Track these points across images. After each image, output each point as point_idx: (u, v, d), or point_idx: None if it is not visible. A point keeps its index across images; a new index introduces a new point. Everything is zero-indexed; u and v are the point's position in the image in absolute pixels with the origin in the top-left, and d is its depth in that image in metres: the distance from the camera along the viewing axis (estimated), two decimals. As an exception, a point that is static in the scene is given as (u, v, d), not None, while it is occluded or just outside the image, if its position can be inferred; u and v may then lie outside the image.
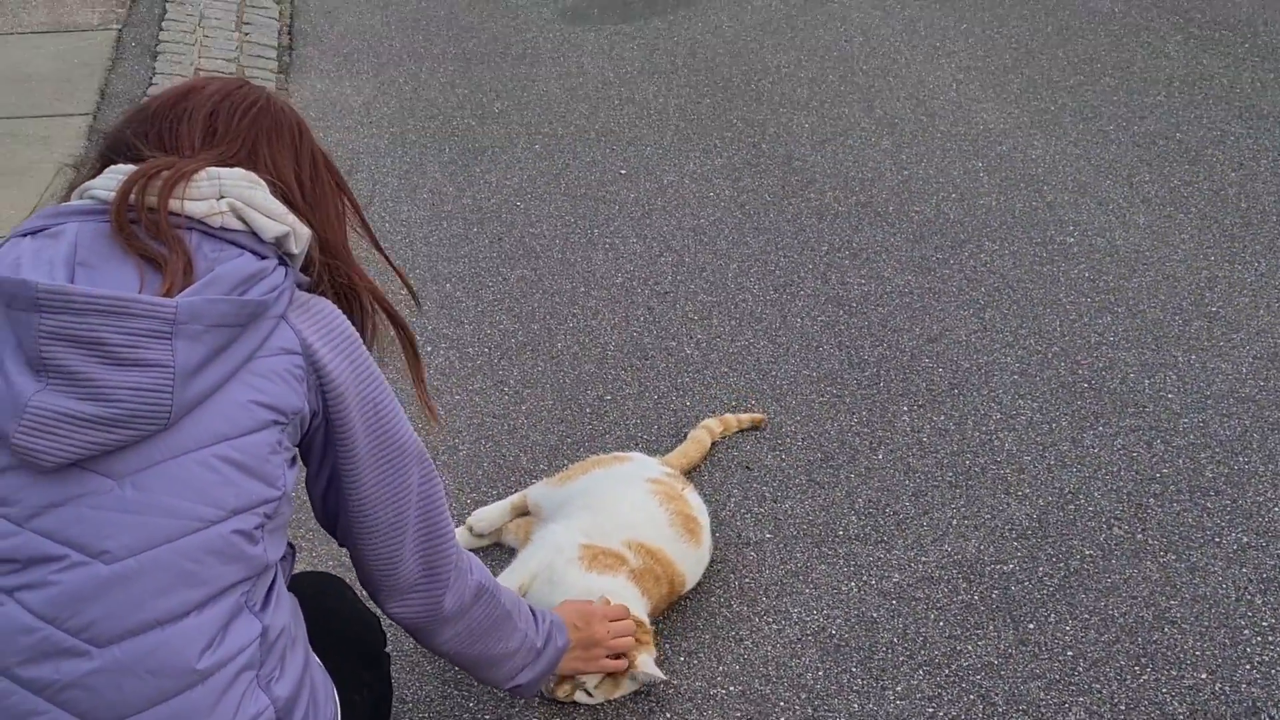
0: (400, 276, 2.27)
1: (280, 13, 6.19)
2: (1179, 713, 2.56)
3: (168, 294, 1.75)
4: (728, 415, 3.38)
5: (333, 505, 2.05)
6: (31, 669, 1.74)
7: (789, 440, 3.35)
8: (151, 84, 5.20)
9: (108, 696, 1.75)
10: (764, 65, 5.56)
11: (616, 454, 3.10)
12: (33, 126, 4.84)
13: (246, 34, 5.86)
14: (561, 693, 2.56)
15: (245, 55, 5.65)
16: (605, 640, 2.54)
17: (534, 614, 2.38)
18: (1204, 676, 2.64)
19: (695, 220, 4.38)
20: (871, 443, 3.33)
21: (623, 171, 4.71)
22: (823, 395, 3.51)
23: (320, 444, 1.98)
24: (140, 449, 1.75)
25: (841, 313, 3.86)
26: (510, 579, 2.69)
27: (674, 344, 3.74)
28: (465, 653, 2.26)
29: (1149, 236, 4.17)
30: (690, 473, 3.19)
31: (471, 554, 2.23)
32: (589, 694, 2.57)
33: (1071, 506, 3.10)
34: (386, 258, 2.21)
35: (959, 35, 5.80)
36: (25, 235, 1.84)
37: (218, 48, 5.66)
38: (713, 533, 2.96)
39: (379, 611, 2.25)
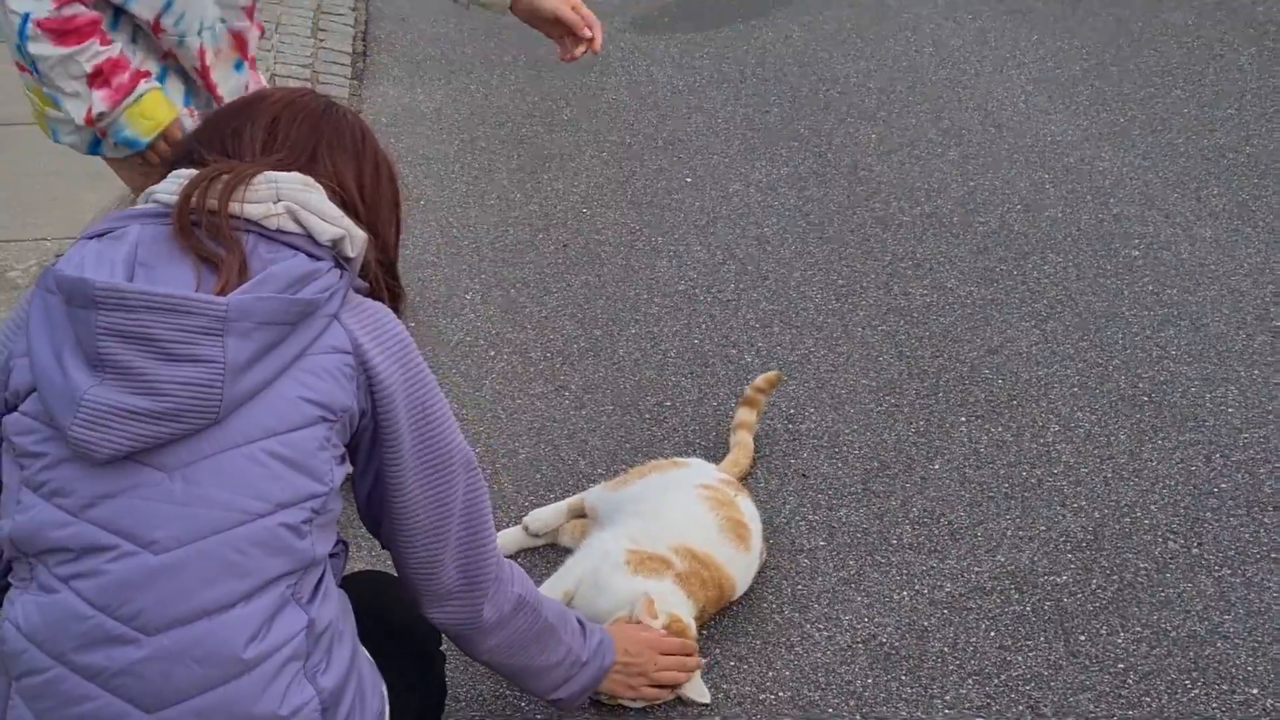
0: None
1: (355, 20, 6.29)
2: (1228, 727, 2.56)
3: (221, 292, 1.81)
4: (749, 394, 3.34)
5: (376, 507, 2.08)
6: (84, 655, 1.80)
7: (846, 449, 3.37)
8: (228, 89, 5.29)
9: (156, 684, 1.80)
10: (832, 75, 5.58)
11: (675, 459, 3.13)
12: (112, 130, 4.93)
13: (322, 40, 5.95)
14: (604, 695, 2.59)
15: (320, 62, 5.73)
16: (651, 673, 2.55)
17: (583, 628, 2.40)
18: (1255, 692, 2.63)
19: (759, 229, 4.41)
20: (928, 453, 3.35)
21: (689, 180, 4.75)
22: (881, 404, 3.53)
23: (367, 444, 2.01)
24: (190, 443, 1.81)
25: (903, 323, 3.88)
26: (558, 583, 2.73)
27: (735, 352, 3.77)
28: (507, 663, 2.29)
29: (1215, 250, 4.15)
30: (745, 477, 3.21)
31: (515, 565, 2.25)
32: (630, 701, 2.60)
33: (1127, 520, 3.10)
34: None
35: (1030, 46, 5.79)
36: (92, 238, 1.91)
37: (293, 54, 5.75)
38: (766, 539, 2.99)
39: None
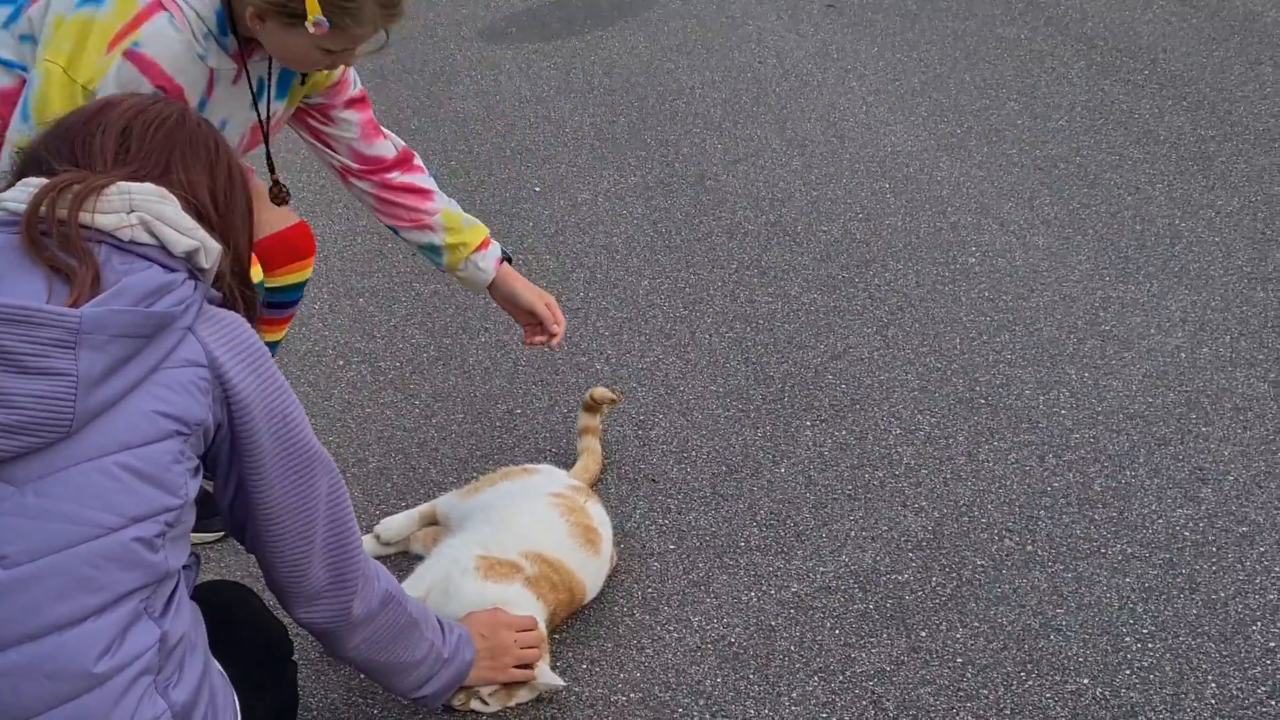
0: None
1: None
2: (1061, 716, 2.65)
3: (74, 304, 1.80)
4: (587, 399, 3.38)
5: (240, 513, 2.09)
6: None
7: (694, 454, 3.42)
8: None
9: (5, 699, 1.78)
10: (679, 86, 5.65)
11: (526, 466, 3.16)
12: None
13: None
14: (458, 701, 2.62)
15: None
16: (512, 649, 2.60)
17: (441, 625, 2.43)
18: (1086, 682, 2.74)
19: (608, 238, 4.46)
20: (775, 456, 3.42)
21: (537, 189, 4.78)
22: (729, 410, 3.59)
23: (226, 455, 2.01)
24: (42, 456, 1.79)
25: (749, 330, 3.95)
26: (409, 590, 2.74)
27: (585, 359, 3.81)
28: (373, 660, 2.31)
29: (1048, 257, 4.29)
30: (596, 483, 3.25)
31: (378, 563, 2.28)
32: (484, 702, 2.63)
33: (966, 519, 3.20)
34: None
35: (870, 59, 5.92)
36: None
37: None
38: (617, 544, 3.03)
39: (287, 621, 2.30)
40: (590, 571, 2.88)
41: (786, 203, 4.68)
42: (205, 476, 2.02)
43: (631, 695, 2.72)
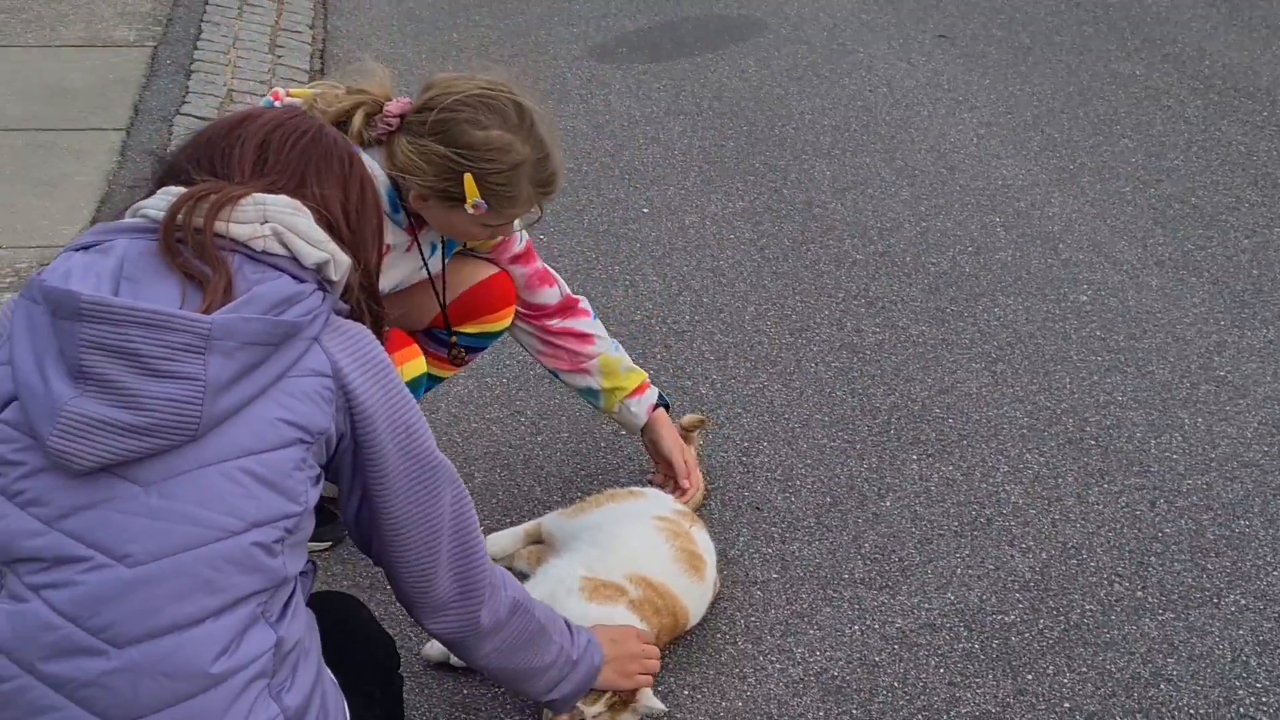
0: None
1: (313, 37, 6.29)
2: (1171, 769, 2.61)
3: (206, 311, 1.83)
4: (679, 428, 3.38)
5: (366, 524, 2.11)
6: (52, 665, 1.81)
7: (799, 483, 3.40)
8: (185, 102, 5.29)
9: (124, 696, 1.81)
10: (788, 111, 5.64)
11: (632, 489, 3.15)
12: (67, 140, 4.92)
13: (279, 57, 5.95)
14: (601, 689, 2.60)
15: (277, 78, 5.73)
16: (639, 657, 2.62)
17: (569, 628, 2.45)
18: (1197, 734, 2.69)
19: (715, 261, 4.45)
20: (880, 489, 3.39)
21: (645, 210, 4.79)
22: (834, 440, 3.57)
23: (350, 466, 2.04)
24: (168, 458, 1.82)
25: (855, 360, 3.92)
26: None
27: (689, 383, 3.80)
28: (504, 666, 2.33)
29: (1161, 298, 4.23)
30: (699, 508, 3.25)
31: (505, 570, 2.30)
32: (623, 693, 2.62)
33: (1074, 561, 3.16)
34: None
35: (982, 90, 5.88)
36: (78, 250, 1.92)
37: (250, 69, 5.75)
38: (720, 571, 3.02)
39: (393, 633, 2.31)
40: (694, 597, 2.87)
41: (895, 233, 4.65)
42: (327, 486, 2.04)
43: (733, 725, 2.70)
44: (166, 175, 2.03)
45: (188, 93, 5.40)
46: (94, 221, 4.30)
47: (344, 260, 2.01)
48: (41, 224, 4.32)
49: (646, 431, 3.29)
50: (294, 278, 1.93)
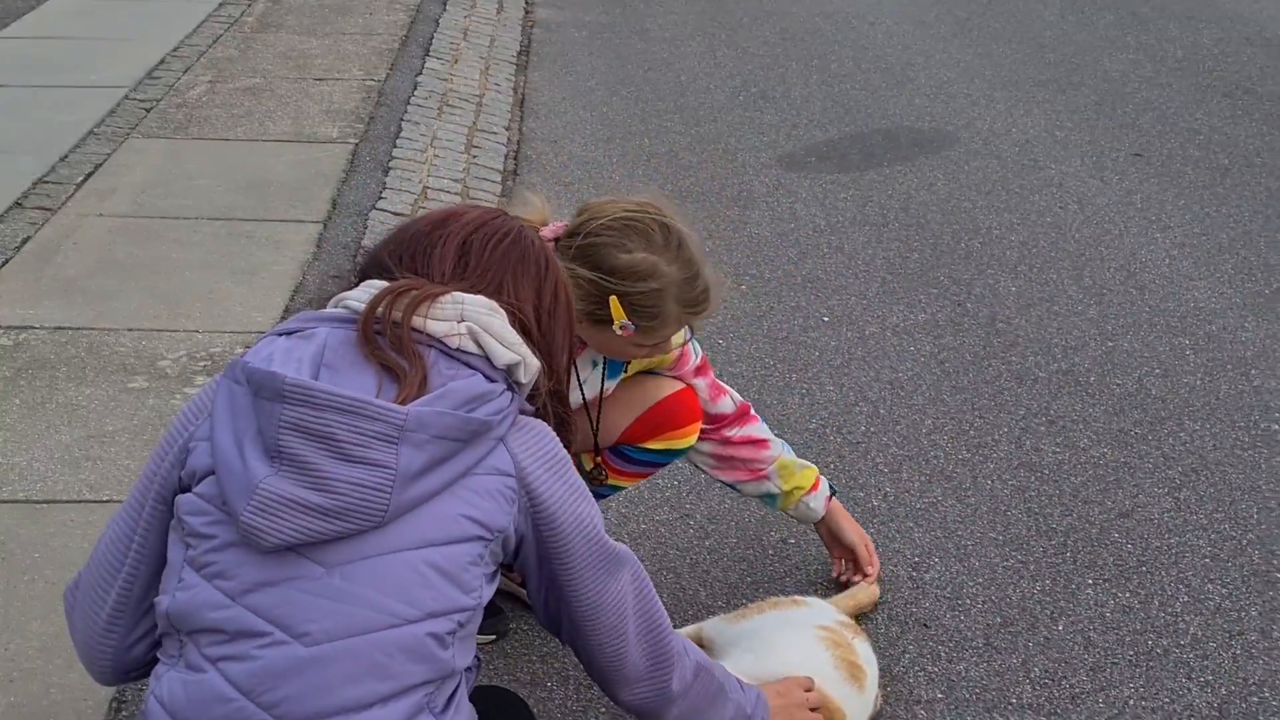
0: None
1: (508, 139, 6.45)
2: None
3: (402, 402, 1.88)
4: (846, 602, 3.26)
5: (554, 611, 2.17)
6: None
7: (969, 602, 3.34)
8: (380, 197, 5.45)
9: None
10: (975, 225, 5.60)
11: (795, 598, 3.12)
12: (267, 230, 5.10)
13: (475, 157, 6.11)
14: None
15: (471, 177, 5.88)
16: (805, 703, 2.65)
17: (741, 684, 2.48)
18: None
19: (894, 373, 4.42)
20: (1053, 612, 3.31)
21: (825, 319, 4.78)
22: (1007, 560, 3.50)
23: (535, 560, 2.09)
24: (353, 542, 1.88)
25: (1033, 479, 3.85)
26: None
27: (862, 494, 3.76)
28: None
29: (1358, 430, 4.09)
30: (862, 616, 3.20)
31: (680, 633, 2.35)
32: None
33: (1255, 699, 3.03)
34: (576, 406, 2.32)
35: (1176, 210, 5.77)
36: (281, 335, 2.00)
37: (446, 168, 5.91)
38: (882, 687, 2.97)
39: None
40: (854, 709, 2.82)
41: (1080, 351, 4.57)
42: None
43: (888, 846, 2.64)
44: (369, 268, 2.11)
45: (384, 188, 5.57)
46: (288, 309, 4.45)
47: (534, 363, 2.06)
48: (237, 310, 4.48)
49: (824, 522, 3.33)
50: (485, 377, 1.98)
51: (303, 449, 1.84)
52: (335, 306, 2.05)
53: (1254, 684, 3.08)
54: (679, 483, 3.77)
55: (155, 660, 2.01)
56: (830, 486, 3.34)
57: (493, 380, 1.98)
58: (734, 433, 3.23)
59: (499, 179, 5.96)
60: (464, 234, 2.10)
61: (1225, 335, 4.70)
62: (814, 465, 3.33)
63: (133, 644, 2.09)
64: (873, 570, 3.31)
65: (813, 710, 2.68)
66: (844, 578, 3.33)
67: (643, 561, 3.36)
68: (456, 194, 5.69)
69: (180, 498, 1.95)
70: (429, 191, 5.64)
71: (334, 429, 1.84)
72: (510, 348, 2.01)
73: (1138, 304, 4.93)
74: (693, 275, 2.77)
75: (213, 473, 1.91)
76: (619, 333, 2.73)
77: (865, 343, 4.62)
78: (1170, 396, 4.30)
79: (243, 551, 1.87)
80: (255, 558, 1.87)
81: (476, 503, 1.94)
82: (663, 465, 3.23)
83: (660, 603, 2.25)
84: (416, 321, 1.97)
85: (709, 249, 5.26)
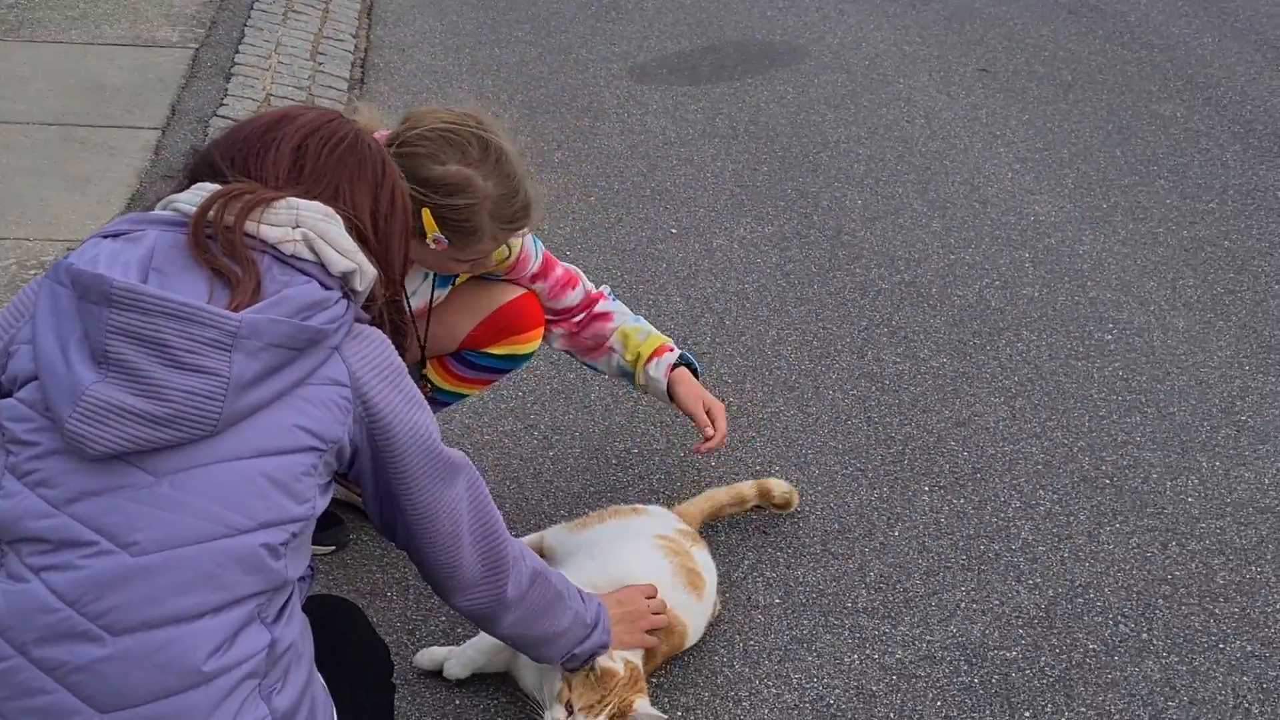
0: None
1: (355, 46, 6.32)
2: (1164, 813, 2.58)
3: (235, 309, 1.84)
4: (746, 493, 3.32)
5: (390, 518, 2.16)
6: (45, 649, 1.81)
7: (808, 509, 3.39)
8: (222, 104, 5.32)
9: (113, 684, 1.81)
10: (823, 139, 5.63)
11: (636, 506, 3.13)
12: (102, 136, 4.96)
13: (320, 64, 5.98)
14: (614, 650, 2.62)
15: (316, 85, 5.76)
16: (646, 614, 2.70)
17: (581, 595, 2.50)
18: (1193, 780, 2.66)
19: (739, 285, 4.45)
20: (889, 519, 3.37)
21: (674, 231, 4.78)
22: (846, 468, 3.55)
23: (370, 470, 2.06)
24: (183, 451, 1.83)
25: (874, 389, 3.91)
26: None
27: (705, 404, 3.78)
28: (526, 634, 2.39)
29: (1186, 341, 4.20)
30: (715, 518, 3.26)
31: (519, 541, 2.34)
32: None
33: (1080, 600, 3.13)
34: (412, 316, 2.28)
35: (1020, 126, 5.85)
36: (107, 237, 1.94)
37: (290, 75, 5.78)
38: (722, 593, 3.01)
39: (391, 641, 2.31)
40: (692, 615, 2.85)
41: (922, 264, 4.63)
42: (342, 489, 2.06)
43: (724, 747, 2.68)
44: (200, 169, 2.04)
45: (226, 95, 5.43)
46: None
47: (370, 271, 2.02)
48: (70, 218, 4.36)
49: (671, 393, 3.22)
50: (321, 284, 1.94)
51: (131, 355, 1.79)
52: (164, 209, 1.99)
53: (1080, 585, 3.17)
54: (524, 394, 3.76)
55: None
56: (685, 358, 3.25)
57: (328, 288, 1.94)
58: (580, 318, 3.23)
59: (345, 87, 5.84)
60: (299, 137, 2.04)
61: (1063, 248, 4.79)
62: (667, 338, 3.27)
63: None
64: (715, 433, 3.19)
65: (655, 615, 2.71)
66: (697, 448, 3.25)
67: (486, 472, 3.38)
68: (301, 101, 5.56)
69: (1, 403, 1.89)
70: (272, 99, 5.51)
71: (165, 335, 1.79)
72: (346, 255, 1.97)
73: (980, 217, 5.00)
74: (510, 192, 2.72)
75: (36, 378, 1.85)
76: (432, 246, 2.69)
77: (712, 255, 4.64)
78: (1009, 308, 4.38)
79: (67, 459, 1.82)
80: (81, 465, 1.82)
81: (310, 413, 1.91)
82: (506, 371, 3.22)
83: (495, 509, 2.23)
84: (250, 227, 1.92)
85: (557, 160, 5.26)
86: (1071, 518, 3.40)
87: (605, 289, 3.29)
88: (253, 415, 1.87)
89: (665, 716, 2.65)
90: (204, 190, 1.97)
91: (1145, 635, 3.03)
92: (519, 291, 3.11)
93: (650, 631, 2.71)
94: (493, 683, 2.80)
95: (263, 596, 1.91)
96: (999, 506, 3.43)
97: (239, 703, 1.88)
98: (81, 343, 1.81)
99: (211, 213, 1.92)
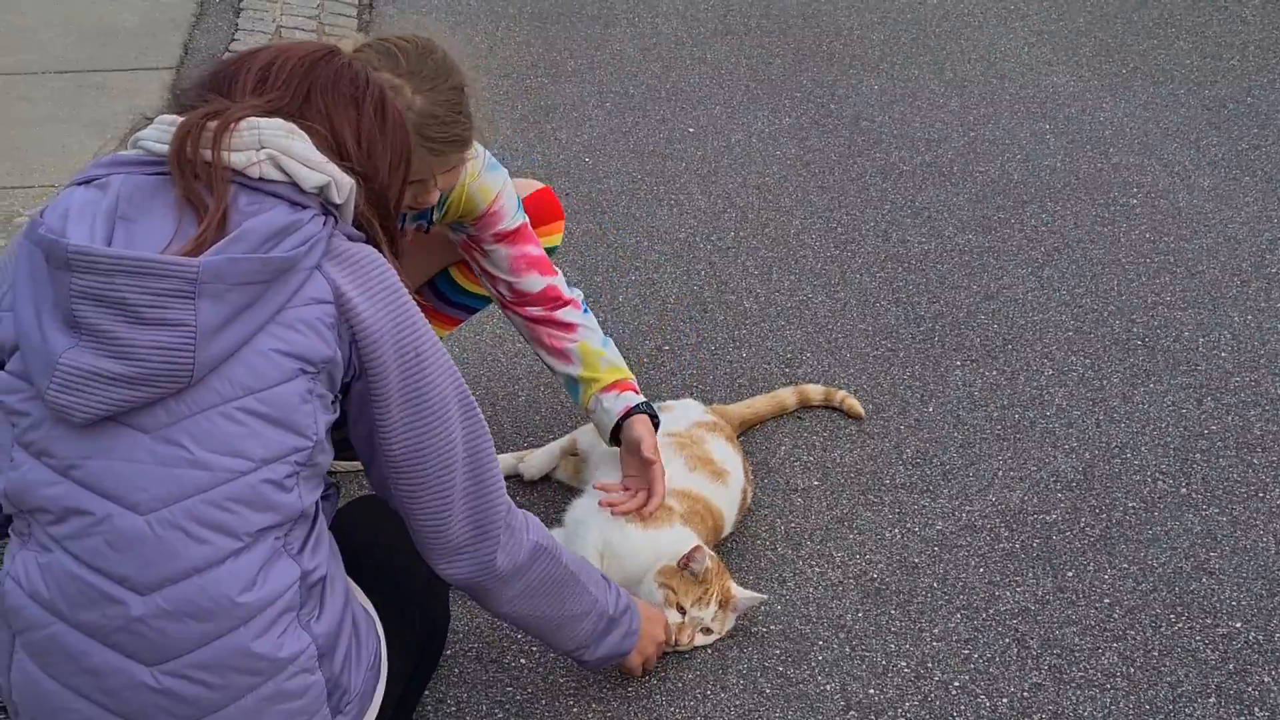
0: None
1: (364, -28, 6.29)
2: (1211, 659, 2.60)
3: (196, 251, 1.79)
4: (813, 394, 3.35)
5: (381, 464, 2.04)
6: (81, 613, 1.82)
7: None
8: (234, 40, 5.32)
9: (154, 641, 1.83)
10: (836, 27, 5.59)
11: (665, 404, 3.13)
12: (117, 80, 4.97)
13: (328, -8, 5.96)
14: (685, 637, 2.61)
15: (326, 13, 5.74)
16: (660, 644, 2.54)
17: (607, 582, 2.36)
18: (1239, 625, 2.68)
19: (760, 178, 4.44)
20: (923, 395, 3.38)
21: (691, 130, 4.77)
22: (877, 349, 3.56)
23: (359, 396, 1.98)
24: (169, 404, 1.81)
25: (900, 269, 3.91)
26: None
27: (733, 298, 3.80)
28: (528, 614, 2.24)
29: (1212, 199, 4.17)
30: (754, 426, 3.27)
31: (529, 514, 2.21)
32: (709, 630, 2.64)
33: (1118, 460, 3.14)
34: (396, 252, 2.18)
35: (1034, -1, 5.80)
36: (80, 184, 1.89)
37: (300, 5, 5.76)
38: (760, 479, 3.03)
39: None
40: (723, 503, 2.86)
41: (943, 144, 4.61)
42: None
43: (772, 628, 2.72)
44: (178, 102, 2.01)
45: (237, 30, 5.42)
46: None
47: (346, 182, 1.94)
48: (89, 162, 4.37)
49: (623, 433, 2.85)
50: (293, 205, 1.88)
51: (98, 317, 1.76)
52: (133, 147, 1.93)
53: (1116, 446, 3.18)
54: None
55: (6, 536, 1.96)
56: (648, 408, 2.88)
57: (304, 207, 1.88)
58: (535, 310, 2.96)
59: (354, 14, 5.82)
60: (270, 56, 1.98)
61: (1084, 117, 4.76)
62: (631, 375, 2.95)
63: None
64: (637, 504, 2.77)
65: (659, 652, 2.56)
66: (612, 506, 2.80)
67: (520, 379, 3.43)
68: (312, 32, 5.55)
69: None
70: (283, 31, 5.50)
71: (124, 293, 1.74)
72: (316, 169, 1.89)
73: (998, 93, 4.97)
74: (443, 116, 2.53)
75: (19, 347, 1.84)
76: None
77: (731, 150, 4.63)
78: (1031, 180, 4.36)
79: (59, 427, 1.81)
80: (72, 432, 1.81)
81: (291, 337, 1.86)
82: (475, 311, 3.19)
83: (498, 469, 2.09)
84: (221, 156, 1.86)
85: (570, 69, 5.24)
86: (1105, 381, 3.41)
87: (578, 295, 3.03)
88: (234, 355, 1.83)
89: (764, 596, 2.69)
90: (164, 123, 1.91)
91: (1184, 490, 3.04)
92: (535, 187, 3.10)
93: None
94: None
95: (280, 530, 1.88)
96: (1031, 375, 3.44)
97: (279, 636, 1.88)
98: (54, 309, 1.78)
99: (188, 148, 1.85)
